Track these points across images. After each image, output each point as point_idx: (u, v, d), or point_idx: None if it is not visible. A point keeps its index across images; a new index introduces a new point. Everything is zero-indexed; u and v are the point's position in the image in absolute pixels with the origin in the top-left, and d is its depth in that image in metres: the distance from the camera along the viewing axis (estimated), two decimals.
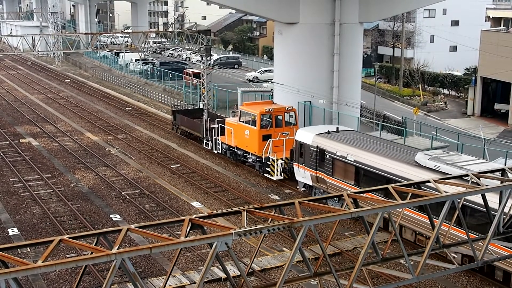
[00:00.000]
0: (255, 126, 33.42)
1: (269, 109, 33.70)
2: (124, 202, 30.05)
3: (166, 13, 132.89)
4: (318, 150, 28.21)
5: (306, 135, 29.34)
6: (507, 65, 49.38)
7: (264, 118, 33.69)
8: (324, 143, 28.03)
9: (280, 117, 33.98)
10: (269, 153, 32.62)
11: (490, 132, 46.01)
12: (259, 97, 48.49)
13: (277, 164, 32.03)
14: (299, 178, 30.28)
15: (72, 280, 21.61)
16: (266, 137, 33.13)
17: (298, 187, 31.04)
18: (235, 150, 35.62)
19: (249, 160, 34.63)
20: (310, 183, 29.30)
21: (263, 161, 32.97)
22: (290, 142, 32.07)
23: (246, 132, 34.21)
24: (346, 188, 25.41)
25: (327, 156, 27.61)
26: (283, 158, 32.15)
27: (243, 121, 34.61)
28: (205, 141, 38.97)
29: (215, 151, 37.72)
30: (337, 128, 29.28)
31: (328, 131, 28.89)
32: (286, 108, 34.33)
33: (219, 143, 37.09)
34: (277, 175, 32.12)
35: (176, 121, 43.87)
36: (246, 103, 36.83)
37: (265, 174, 32.98)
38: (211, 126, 37.92)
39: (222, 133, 36.79)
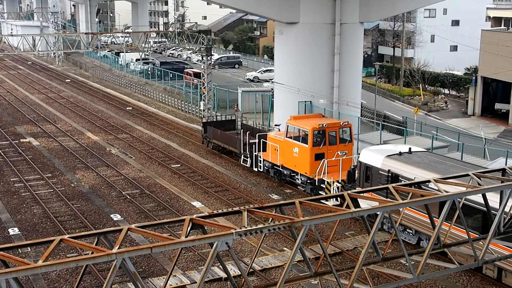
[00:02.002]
0: (307, 143, 29.59)
1: (322, 124, 29.84)
2: (125, 202, 30.06)
3: (166, 13, 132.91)
4: (389, 174, 24.33)
5: (373, 157, 25.51)
6: (507, 65, 49.39)
7: (317, 134, 30.04)
8: (397, 166, 24.23)
9: (333, 133, 30.27)
10: (323, 174, 28.89)
11: (491, 131, 46.03)
12: (259, 97, 48.58)
13: (333, 188, 28.32)
14: (364, 205, 26.56)
15: (72, 280, 21.62)
16: (318, 156, 29.42)
17: None
18: (280, 169, 31.83)
19: (297, 181, 30.77)
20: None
21: (316, 184, 29.18)
22: (348, 162, 29.10)
23: (295, 150, 30.34)
24: (427, 221, 20.45)
25: (402, 183, 23.93)
26: (339, 181, 28.39)
27: (290, 137, 30.80)
28: (242, 157, 34.95)
29: (255, 169, 33.85)
30: (410, 148, 25.45)
31: (400, 152, 25.09)
32: (341, 123, 30.81)
33: (260, 161, 33.24)
34: (332, 200, 28.07)
35: (207, 134, 39.26)
36: (294, 116, 32.82)
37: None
38: (251, 141, 34.16)
39: (264, 149, 33.04)
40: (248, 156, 34.32)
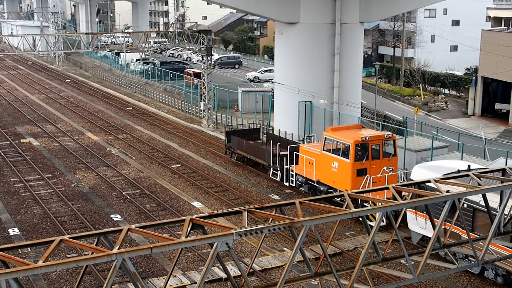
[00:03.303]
0: (348, 158, 27.12)
1: (365, 137, 27.24)
2: (125, 202, 30.06)
3: (166, 13, 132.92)
4: None
5: (428, 175, 22.08)
6: (507, 65, 49.39)
7: (359, 148, 27.38)
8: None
9: (376, 146, 27.66)
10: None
11: (491, 132, 46.02)
12: (259, 97, 48.59)
13: None
14: (415, 228, 23.80)
15: (73, 280, 21.62)
16: (360, 172, 27.03)
17: (412, 239, 24.06)
18: (316, 185, 29.29)
19: (336, 198, 27.81)
20: None
21: (358, 202, 25.52)
22: (393, 178, 26.92)
23: (333, 165, 27.93)
24: (497, 250, 19.01)
25: (464, 205, 20.82)
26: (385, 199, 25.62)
27: (328, 150, 28.41)
28: (271, 170, 32.55)
29: (287, 184, 31.53)
30: (469, 166, 22.05)
31: (458, 170, 21.85)
32: (385, 135, 28.16)
33: (292, 175, 30.76)
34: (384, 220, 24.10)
35: (230, 144, 36.54)
36: (332, 128, 30.26)
37: (360, 219, 25.64)
38: (281, 153, 31.74)
39: (296, 162, 30.72)
40: (278, 169, 31.99)
